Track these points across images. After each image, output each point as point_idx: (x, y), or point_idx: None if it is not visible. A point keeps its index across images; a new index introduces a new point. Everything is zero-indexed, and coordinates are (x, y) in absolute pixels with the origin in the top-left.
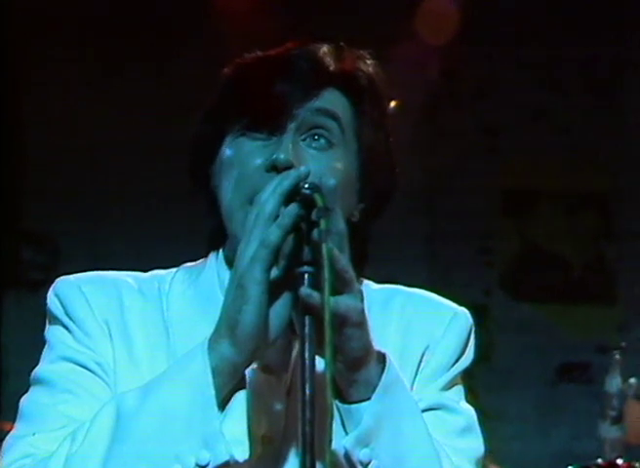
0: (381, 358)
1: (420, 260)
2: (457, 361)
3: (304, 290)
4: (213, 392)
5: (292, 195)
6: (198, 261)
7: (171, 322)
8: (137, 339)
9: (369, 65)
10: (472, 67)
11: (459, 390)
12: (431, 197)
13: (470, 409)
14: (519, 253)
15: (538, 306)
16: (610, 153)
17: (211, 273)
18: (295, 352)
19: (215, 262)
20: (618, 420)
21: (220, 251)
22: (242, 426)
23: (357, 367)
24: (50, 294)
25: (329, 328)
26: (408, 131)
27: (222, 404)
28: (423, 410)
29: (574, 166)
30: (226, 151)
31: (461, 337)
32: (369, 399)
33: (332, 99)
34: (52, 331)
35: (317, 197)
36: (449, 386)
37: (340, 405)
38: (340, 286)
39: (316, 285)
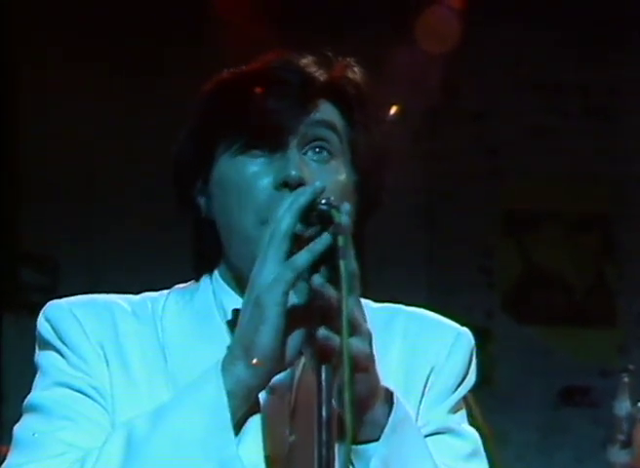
0: (389, 396)
1: (421, 282)
2: (461, 383)
3: (322, 332)
4: (229, 415)
5: (307, 211)
6: (189, 283)
7: (167, 344)
8: (133, 363)
9: (356, 73)
10: (473, 88)
11: (463, 413)
12: (431, 217)
13: (475, 433)
14: (520, 275)
15: (539, 329)
16: (610, 174)
17: (206, 294)
18: (298, 373)
19: (209, 283)
20: (627, 444)
21: (216, 271)
22: (258, 450)
23: (363, 408)
24: (40, 319)
25: (347, 369)
26: (407, 150)
27: (237, 428)
28: (430, 434)
29: (574, 187)
30: (225, 172)
31: (465, 358)
32: (377, 439)
33: (327, 111)
34: (44, 357)
35: (334, 213)
36: (455, 409)
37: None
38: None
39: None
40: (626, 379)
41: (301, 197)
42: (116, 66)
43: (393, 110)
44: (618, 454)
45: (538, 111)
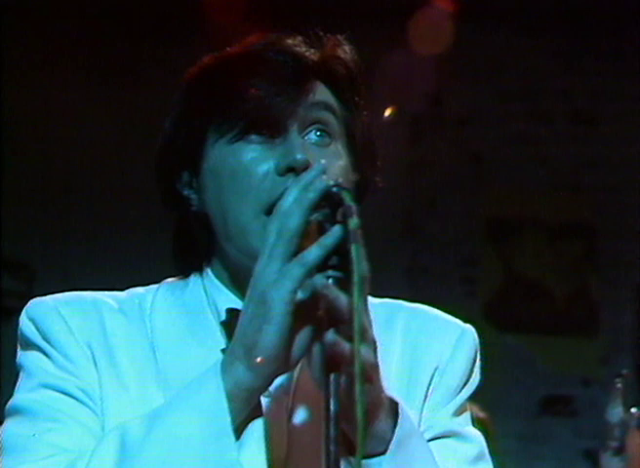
0: (394, 407)
1: (402, 290)
2: (465, 384)
3: (330, 336)
4: (229, 419)
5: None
6: (176, 278)
7: (157, 343)
8: (123, 363)
9: (347, 52)
10: (456, 94)
11: (467, 415)
12: (413, 225)
13: (480, 436)
14: (502, 284)
15: (521, 338)
16: (593, 182)
17: (197, 291)
18: (296, 374)
19: (199, 279)
20: (620, 451)
21: (207, 268)
22: (260, 456)
23: (368, 420)
24: (22, 318)
25: (359, 382)
26: (390, 157)
27: (237, 433)
28: (435, 438)
29: (557, 195)
30: (220, 160)
31: (469, 358)
32: (382, 453)
33: (322, 92)
34: (27, 358)
35: (345, 195)
36: (459, 412)
37: (352, 459)
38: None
39: (343, 289)
40: (619, 385)
41: (311, 193)
42: (100, 73)
43: (387, 112)
44: (610, 462)
45: (520, 119)
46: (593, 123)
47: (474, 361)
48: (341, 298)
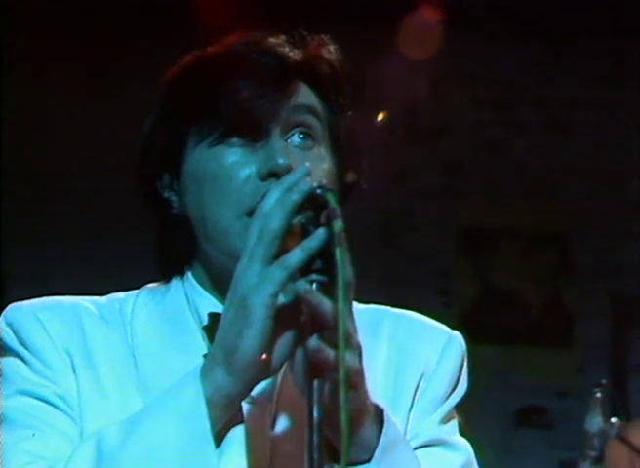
0: (379, 414)
1: (377, 300)
2: (452, 391)
3: (314, 342)
4: (208, 425)
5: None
6: (158, 283)
7: (137, 349)
8: (102, 369)
9: (331, 52)
10: (432, 104)
11: (454, 423)
12: (388, 235)
13: (467, 444)
14: (477, 295)
15: (496, 349)
16: (568, 192)
17: (178, 296)
18: (279, 380)
19: (181, 284)
20: (598, 461)
21: (188, 272)
22: (241, 463)
23: (352, 428)
24: (0, 323)
25: (344, 389)
26: (365, 167)
27: (217, 439)
28: (421, 446)
29: (531, 204)
30: (201, 163)
31: (457, 365)
32: (367, 461)
33: (306, 94)
34: (5, 364)
35: (330, 197)
36: (446, 419)
37: (336, 467)
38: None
39: (327, 295)
40: (599, 395)
41: (295, 194)
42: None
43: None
44: None
45: (495, 128)
46: (568, 132)
47: (462, 368)
48: (325, 303)
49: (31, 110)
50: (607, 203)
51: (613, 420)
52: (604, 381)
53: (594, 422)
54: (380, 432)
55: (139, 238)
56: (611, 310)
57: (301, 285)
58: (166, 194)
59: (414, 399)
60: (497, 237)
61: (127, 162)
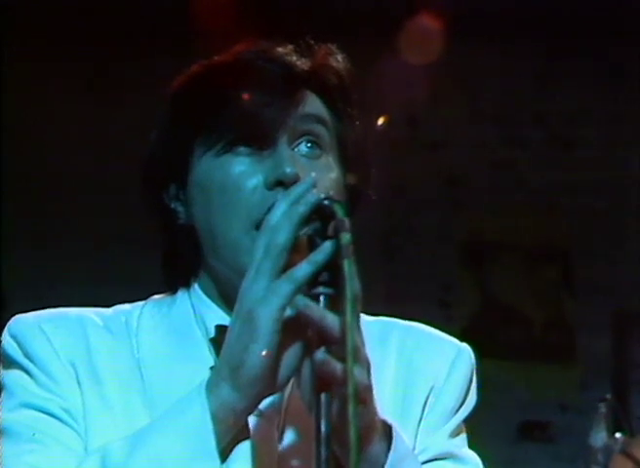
0: (387, 430)
1: (378, 314)
2: (462, 405)
3: (320, 355)
4: (214, 441)
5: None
6: (164, 295)
7: (144, 361)
8: (107, 382)
9: (338, 61)
10: (432, 118)
11: (463, 437)
12: (388, 249)
13: (476, 457)
14: (479, 309)
15: (498, 363)
16: (569, 207)
17: (184, 308)
18: (287, 394)
19: (187, 296)
20: None
21: (195, 284)
22: None
23: (360, 444)
24: (4, 335)
25: (353, 404)
26: (373, 177)
27: (223, 455)
28: (431, 460)
29: (533, 219)
30: (208, 173)
31: (466, 378)
32: None
33: (313, 103)
34: (9, 377)
35: (337, 208)
36: (455, 433)
37: None
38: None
39: (334, 308)
40: (603, 410)
41: (302, 207)
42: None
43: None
44: None
45: (496, 142)
46: (569, 147)
47: (471, 381)
48: (328, 317)
49: (31, 111)
50: (608, 218)
51: (617, 435)
52: (608, 396)
53: (598, 437)
54: (389, 448)
55: (140, 248)
56: (612, 325)
57: (300, 300)
58: (172, 205)
59: (423, 412)
60: (498, 251)
61: (127, 167)
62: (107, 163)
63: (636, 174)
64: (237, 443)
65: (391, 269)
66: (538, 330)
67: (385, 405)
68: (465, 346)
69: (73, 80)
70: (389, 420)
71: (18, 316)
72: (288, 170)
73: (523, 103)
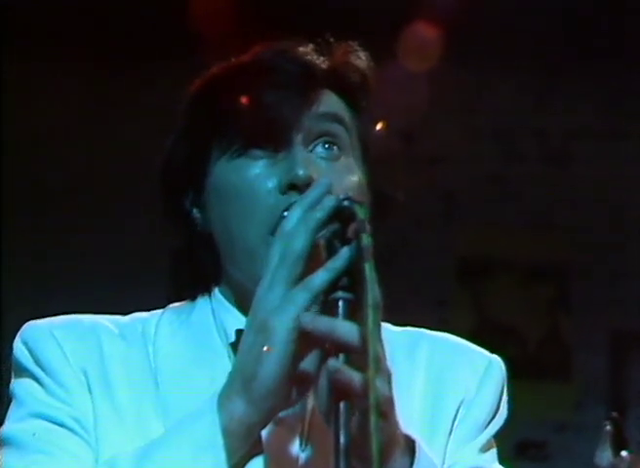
0: (410, 445)
1: None
2: (493, 418)
3: (331, 363)
4: (224, 457)
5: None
6: (183, 302)
7: (159, 369)
8: (120, 391)
9: (360, 58)
10: (429, 133)
11: (494, 452)
12: (384, 263)
13: None
14: (474, 325)
15: None
16: (566, 222)
17: (204, 313)
18: (310, 401)
19: (208, 302)
20: None
21: (216, 289)
22: None
23: (381, 459)
24: (16, 342)
25: (374, 416)
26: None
27: None
28: None
29: (529, 235)
30: (223, 177)
31: (497, 391)
32: None
33: (331, 102)
34: (19, 385)
35: (358, 209)
36: (486, 448)
37: None
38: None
39: (353, 314)
40: (609, 428)
41: (319, 212)
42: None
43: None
44: None
45: (493, 157)
46: (566, 163)
47: (502, 393)
48: (339, 327)
49: (31, 111)
50: (606, 235)
51: (623, 454)
52: (614, 414)
53: (604, 456)
54: (412, 464)
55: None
56: (609, 343)
57: (305, 317)
58: (191, 210)
59: (453, 425)
60: (495, 268)
61: (127, 167)
62: (107, 163)
63: (635, 191)
64: (252, 456)
65: (387, 285)
66: (533, 348)
67: (414, 418)
68: (496, 358)
69: (73, 80)
70: (413, 435)
71: (30, 322)
72: (300, 172)
73: (521, 119)
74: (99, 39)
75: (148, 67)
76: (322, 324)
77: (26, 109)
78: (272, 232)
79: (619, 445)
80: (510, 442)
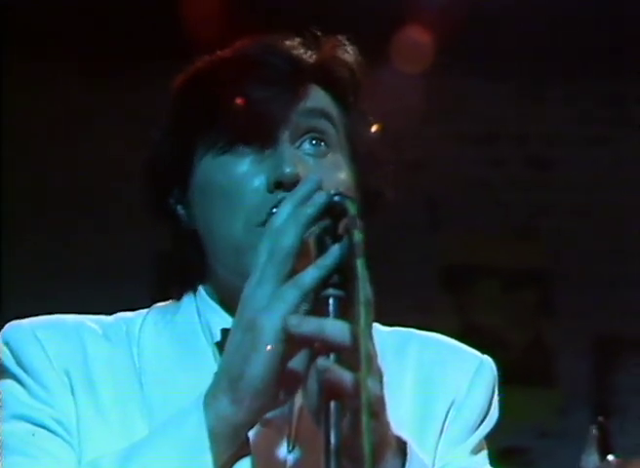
0: (402, 446)
1: None
2: (484, 419)
3: (321, 363)
4: (210, 458)
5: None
6: (168, 302)
7: (144, 369)
8: (103, 391)
9: (348, 52)
10: (411, 138)
11: (484, 454)
12: (368, 271)
13: None
14: (457, 332)
15: None
16: (549, 229)
17: (189, 312)
18: (298, 401)
19: (193, 301)
20: None
21: (200, 288)
22: None
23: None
24: None
25: (366, 415)
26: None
27: None
28: None
29: (512, 241)
30: (209, 174)
31: (488, 391)
32: None
33: (318, 97)
34: (1, 386)
35: (349, 204)
36: (477, 450)
37: None
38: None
39: (344, 312)
40: (595, 432)
41: (310, 208)
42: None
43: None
44: None
45: (476, 163)
46: (548, 168)
47: (493, 394)
48: (328, 326)
49: (31, 112)
50: (589, 241)
51: (610, 458)
52: (601, 418)
53: (590, 460)
54: (403, 465)
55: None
56: (593, 349)
57: (291, 319)
58: (176, 208)
59: (443, 426)
60: (477, 274)
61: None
62: (107, 163)
63: (618, 197)
64: (239, 458)
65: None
66: (517, 353)
67: (404, 418)
68: (487, 358)
69: (73, 80)
70: (404, 436)
71: (12, 322)
72: (287, 170)
73: (504, 124)
74: (99, 39)
75: (148, 67)
76: (310, 326)
77: (26, 109)
78: (257, 225)
79: (605, 449)
80: (494, 448)
